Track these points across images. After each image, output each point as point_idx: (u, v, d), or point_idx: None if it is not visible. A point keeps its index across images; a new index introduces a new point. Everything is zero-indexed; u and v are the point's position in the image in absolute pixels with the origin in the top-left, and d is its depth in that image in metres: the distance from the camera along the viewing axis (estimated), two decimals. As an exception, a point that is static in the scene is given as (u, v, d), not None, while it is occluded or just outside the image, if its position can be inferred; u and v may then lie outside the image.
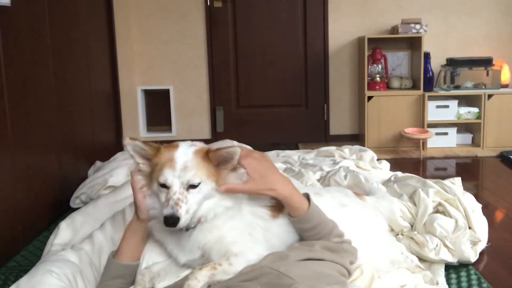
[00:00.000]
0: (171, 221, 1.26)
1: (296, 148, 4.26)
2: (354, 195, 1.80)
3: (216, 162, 1.37)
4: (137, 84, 4.46)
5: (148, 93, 4.57)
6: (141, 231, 1.37)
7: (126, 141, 1.35)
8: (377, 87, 4.17)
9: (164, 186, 1.31)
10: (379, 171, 2.83)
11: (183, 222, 1.28)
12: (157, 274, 1.44)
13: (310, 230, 1.46)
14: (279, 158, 3.24)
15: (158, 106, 4.58)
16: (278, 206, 1.50)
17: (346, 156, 3.09)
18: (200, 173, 1.32)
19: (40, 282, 1.45)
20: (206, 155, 1.36)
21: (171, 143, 1.40)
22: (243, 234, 1.42)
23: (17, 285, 1.47)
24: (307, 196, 1.47)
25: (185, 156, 1.33)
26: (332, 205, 1.66)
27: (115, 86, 3.80)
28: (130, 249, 1.35)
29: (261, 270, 1.30)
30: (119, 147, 3.84)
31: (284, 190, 1.41)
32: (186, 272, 1.47)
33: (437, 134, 4.06)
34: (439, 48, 4.34)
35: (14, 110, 2.21)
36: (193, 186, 1.31)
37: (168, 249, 1.47)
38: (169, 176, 1.30)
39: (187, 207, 1.29)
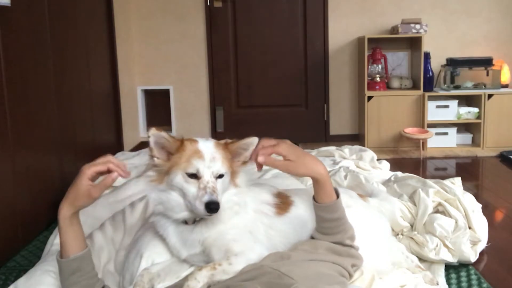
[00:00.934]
0: (214, 206, 1.28)
1: (296, 148, 4.25)
2: (358, 196, 1.80)
3: (233, 153, 1.42)
4: (137, 84, 4.46)
5: (148, 93, 4.58)
6: (78, 220, 1.35)
7: (151, 131, 1.35)
8: (377, 87, 4.17)
9: (192, 176, 1.33)
10: (379, 171, 2.82)
11: (220, 209, 1.31)
12: (157, 275, 1.44)
13: (332, 221, 1.44)
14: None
15: (158, 106, 4.58)
16: (283, 205, 1.52)
17: (346, 156, 3.09)
18: (224, 164, 1.37)
19: (38, 282, 1.45)
20: (226, 147, 1.41)
21: (190, 138, 1.42)
22: (245, 232, 1.43)
23: (15, 285, 1.47)
24: (335, 191, 1.47)
25: (209, 148, 1.38)
26: None
27: (115, 86, 3.80)
28: (74, 241, 1.33)
29: (262, 269, 1.30)
30: (119, 147, 3.84)
31: (322, 170, 1.41)
32: (186, 272, 1.47)
33: (437, 134, 4.06)
34: (439, 48, 4.34)
35: (14, 110, 2.21)
36: (220, 176, 1.36)
37: (171, 244, 1.47)
38: (200, 166, 1.33)
39: (218, 195, 1.33)
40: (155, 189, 1.40)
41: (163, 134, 1.36)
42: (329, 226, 1.45)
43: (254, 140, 1.41)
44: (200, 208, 1.30)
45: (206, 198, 1.29)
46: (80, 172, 1.32)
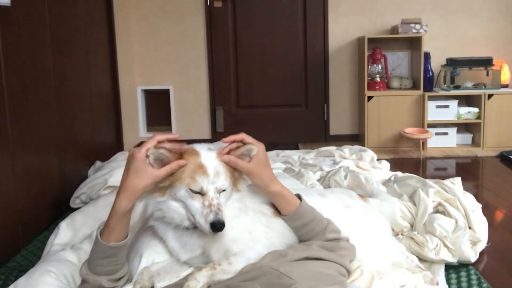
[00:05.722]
0: (219, 226, 1.29)
1: (296, 148, 4.26)
2: (358, 197, 1.80)
3: None
4: (137, 84, 4.46)
5: (148, 93, 4.58)
6: (131, 211, 1.36)
7: (150, 151, 1.33)
8: (377, 87, 4.17)
9: (197, 192, 1.33)
10: (379, 171, 2.82)
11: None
12: (157, 273, 1.44)
13: (303, 227, 1.47)
14: (279, 158, 3.24)
15: (158, 106, 4.58)
16: None
17: (346, 156, 3.09)
18: (227, 177, 1.37)
19: (37, 282, 1.45)
20: None
21: (187, 148, 1.41)
22: (244, 232, 1.44)
23: (15, 286, 1.47)
24: (298, 196, 1.50)
25: (212, 162, 1.37)
26: (336, 206, 1.66)
27: (115, 86, 3.80)
28: (121, 231, 1.35)
29: (261, 270, 1.30)
30: (119, 147, 3.84)
31: (275, 188, 1.45)
32: (186, 272, 1.47)
33: (437, 134, 4.06)
34: (439, 48, 4.34)
35: (14, 110, 2.21)
36: (223, 190, 1.37)
37: (170, 246, 1.48)
38: (204, 182, 1.33)
39: (223, 212, 1.33)
40: (155, 199, 1.39)
41: (162, 150, 1.34)
42: (306, 231, 1.48)
43: (253, 147, 1.41)
44: (205, 226, 1.30)
45: (211, 218, 1.30)
46: (132, 158, 1.32)
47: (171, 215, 1.39)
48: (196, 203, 1.33)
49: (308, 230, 1.47)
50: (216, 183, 1.34)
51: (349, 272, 1.44)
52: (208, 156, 1.38)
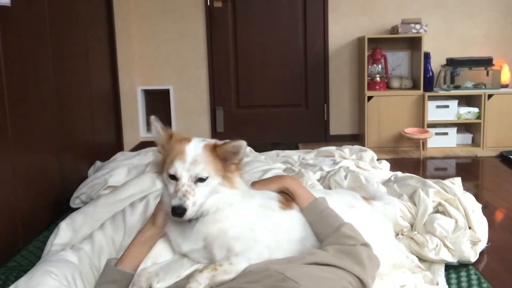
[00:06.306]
0: (179, 211, 1.31)
1: (296, 148, 4.25)
2: (362, 198, 1.80)
3: (223, 156, 1.42)
4: (137, 84, 4.46)
5: (148, 93, 4.58)
6: (152, 241, 1.44)
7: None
8: (377, 87, 4.17)
9: (173, 177, 1.36)
10: (379, 171, 2.82)
11: (189, 213, 1.33)
12: (155, 274, 1.44)
13: (320, 222, 1.49)
14: (279, 158, 3.24)
15: (158, 106, 4.58)
16: (288, 202, 1.55)
17: (346, 156, 3.09)
18: (208, 167, 1.37)
19: (38, 283, 1.45)
20: (214, 150, 1.41)
21: (185, 137, 1.44)
22: (246, 229, 1.44)
23: (15, 286, 1.47)
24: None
25: (195, 150, 1.38)
26: (340, 205, 1.66)
27: (115, 86, 3.80)
28: (133, 257, 1.39)
29: (267, 272, 1.29)
30: (119, 147, 3.84)
31: (292, 183, 1.53)
32: (187, 271, 1.47)
33: (437, 134, 4.06)
34: (439, 48, 4.34)
35: (14, 110, 2.21)
36: (201, 180, 1.37)
37: (172, 238, 1.49)
38: (178, 168, 1.35)
39: (194, 200, 1.34)
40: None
41: (158, 125, 1.42)
42: (324, 227, 1.48)
43: (242, 143, 1.41)
44: (168, 210, 1.34)
45: (173, 202, 1.33)
46: None
47: (163, 199, 1.46)
48: (171, 188, 1.37)
49: (325, 226, 1.49)
50: (192, 170, 1.35)
51: (363, 282, 1.36)
52: (194, 145, 1.40)
